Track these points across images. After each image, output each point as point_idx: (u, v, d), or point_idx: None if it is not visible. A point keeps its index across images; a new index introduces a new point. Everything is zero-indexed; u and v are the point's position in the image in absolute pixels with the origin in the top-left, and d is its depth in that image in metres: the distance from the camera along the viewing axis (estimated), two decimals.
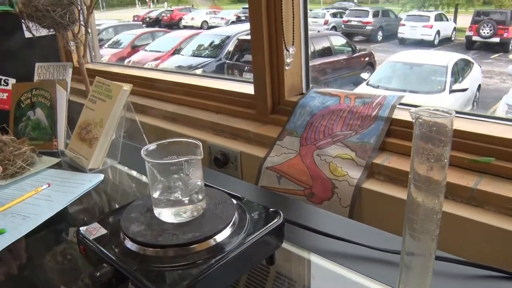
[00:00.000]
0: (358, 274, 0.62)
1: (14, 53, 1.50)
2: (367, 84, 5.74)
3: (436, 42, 10.35)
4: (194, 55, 8.37)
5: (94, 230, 0.64)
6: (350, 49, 8.04)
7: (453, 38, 10.84)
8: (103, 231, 0.63)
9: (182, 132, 1.28)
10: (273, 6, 1.06)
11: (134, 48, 9.83)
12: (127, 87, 1.08)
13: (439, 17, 10.90)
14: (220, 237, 0.59)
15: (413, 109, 0.43)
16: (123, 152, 1.13)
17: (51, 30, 1.26)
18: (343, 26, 12.21)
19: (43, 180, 1.05)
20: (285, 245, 0.67)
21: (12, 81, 1.45)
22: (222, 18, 15.85)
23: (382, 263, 0.64)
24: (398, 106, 0.94)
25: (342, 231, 0.70)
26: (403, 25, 10.91)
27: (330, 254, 0.67)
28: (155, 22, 16.61)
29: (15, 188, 1.02)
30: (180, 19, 16.86)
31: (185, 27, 15.52)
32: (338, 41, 8.20)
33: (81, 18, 1.26)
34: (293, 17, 1.06)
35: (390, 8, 13.23)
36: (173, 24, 16.07)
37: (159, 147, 0.62)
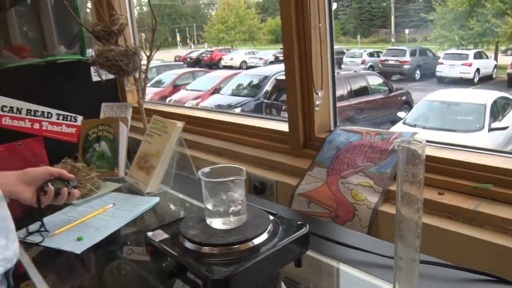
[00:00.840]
0: (372, 276, 0.76)
1: (82, 94, 1.75)
2: (404, 123, 5.79)
3: (475, 80, 10.27)
4: (233, 94, 8.58)
5: (158, 235, 0.81)
6: (386, 88, 8.14)
7: (494, 76, 10.73)
8: (165, 235, 0.81)
9: (227, 164, 1.46)
10: (304, 53, 1.25)
11: (176, 87, 10.22)
12: (180, 124, 1.28)
13: (479, 55, 10.84)
14: (257, 241, 0.75)
15: (398, 140, 0.58)
16: (175, 180, 1.32)
17: (116, 75, 1.50)
18: (380, 65, 12.34)
19: (108, 201, 1.25)
20: (313, 254, 0.82)
21: (79, 118, 1.70)
22: (260, 58, 16.24)
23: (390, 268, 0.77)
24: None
25: (361, 244, 0.85)
26: (441, 63, 10.89)
27: (350, 262, 0.82)
28: (196, 62, 17.08)
29: (86, 206, 1.22)
30: (220, 59, 17.36)
31: (225, 67, 15.90)
32: (375, 80, 8.33)
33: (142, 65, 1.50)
34: (321, 63, 1.25)
35: (428, 47, 13.26)
36: (213, 64, 16.51)
37: (212, 170, 0.80)
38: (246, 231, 0.76)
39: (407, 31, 18.23)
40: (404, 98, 8.23)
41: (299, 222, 0.81)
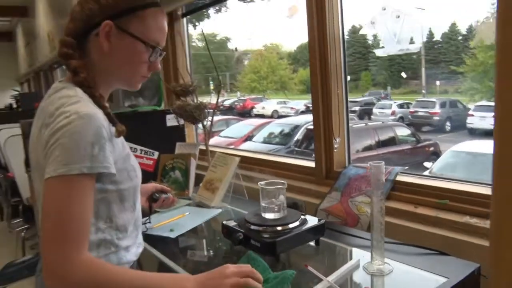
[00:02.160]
0: (363, 250, 1.23)
1: (158, 135, 2.31)
2: (430, 172, 6.07)
3: None
4: (264, 142, 8.84)
5: (230, 222, 1.31)
6: (414, 139, 8.45)
7: None
8: (233, 223, 1.31)
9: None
10: (326, 110, 1.76)
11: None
12: (237, 159, 1.81)
13: None
14: (291, 225, 1.24)
15: (370, 163, 1.08)
16: (231, 199, 1.83)
17: (189, 122, 2.06)
18: (410, 116, 12.60)
19: (184, 211, 1.76)
20: (329, 240, 1.31)
21: (156, 153, 2.25)
22: (291, 108, 16.68)
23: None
24: (400, 173, 1.57)
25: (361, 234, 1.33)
26: (472, 115, 10.96)
27: (351, 245, 1.29)
28: (229, 110, 17.53)
29: (168, 214, 1.74)
30: (252, 107, 17.86)
31: (257, 115, 16.33)
32: (403, 131, 8.67)
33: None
34: (339, 119, 1.76)
35: (458, 99, 13.34)
36: (245, 113, 16.87)
37: (266, 183, 1.31)
38: (285, 220, 1.26)
39: (438, 82, 18.41)
40: (432, 149, 8.43)
41: (319, 218, 1.30)
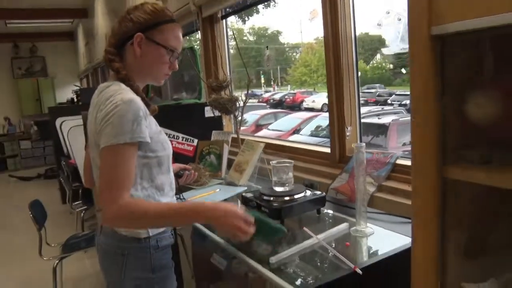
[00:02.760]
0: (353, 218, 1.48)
1: (198, 124, 2.62)
2: None
3: None
4: (312, 135, 8.93)
5: (248, 194, 1.60)
6: None
7: None
8: (251, 194, 1.59)
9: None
10: (340, 103, 2.00)
11: (258, 127, 10.91)
12: (262, 144, 2.09)
13: None
14: (297, 196, 1.51)
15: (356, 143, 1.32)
16: (256, 180, 2.11)
17: (223, 113, 2.36)
18: None
19: (215, 188, 2.07)
20: (330, 211, 1.56)
21: (196, 140, 2.57)
22: None
23: (375, 220, 1.48)
24: (400, 157, 1.78)
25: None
26: None
27: (351, 215, 1.55)
28: (278, 104, 17.53)
29: (203, 190, 2.05)
30: (302, 101, 17.85)
31: (306, 109, 16.47)
32: None
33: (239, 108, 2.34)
34: (350, 109, 2.00)
35: None
36: (295, 106, 16.84)
37: (277, 162, 1.58)
38: (293, 191, 1.53)
39: None
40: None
41: (319, 192, 1.56)
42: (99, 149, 1.19)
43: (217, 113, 2.40)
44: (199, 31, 3.29)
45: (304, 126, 9.62)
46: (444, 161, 0.88)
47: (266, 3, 2.72)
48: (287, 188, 1.56)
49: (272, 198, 1.51)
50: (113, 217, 1.15)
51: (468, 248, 0.95)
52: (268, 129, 10.21)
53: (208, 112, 2.56)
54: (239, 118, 2.32)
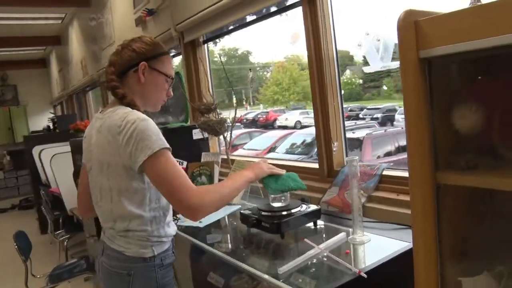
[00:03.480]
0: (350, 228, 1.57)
1: (186, 146, 2.68)
2: None
3: None
4: (287, 152, 9.05)
5: (246, 211, 1.67)
6: None
7: None
8: (248, 211, 1.66)
9: None
10: (325, 121, 2.11)
11: (234, 147, 10.98)
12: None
13: None
14: (294, 210, 1.58)
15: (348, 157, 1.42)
16: (249, 197, 2.18)
17: (212, 134, 2.43)
18: None
19: None
20: (325, 223, 1.64)
21: (185, 162, 2.62)
22: None
23: (369, 228, 1.57)
24: (386, 168, 1.89)
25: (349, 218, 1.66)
26: None
27: (346, 226, 1.63)
28: (252, 123, 17.76)
29: None
30: (275, 119, 18.08)
31: (280, 127, 16.66)
32: None
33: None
34: (336, 127, 2.10)
35: None
36: (268, 125, 17.16)
37: None
38: (288, 207, 1.61)
39: None
40: None
41: (315, 206, 1.65)
42: (130, 170, 1.27)
43: (205, 135, 2.48)
44: (180, 55, 3.38)
45: (279, 144, 9.75)
46: (436, 168, 0.98)
47: (238, 24, 2.83)
48: (284, 204, 1.63)
49: (270, 214, 1.59)
50: (199, 205, 1.23)
51: (462, 246, 1.05)
52: (244, 149, 10.18)
53: (197, 134, 2.62)
54: (228, 139, 2.40)
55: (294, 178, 1.59)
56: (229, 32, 2.98)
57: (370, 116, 13.46)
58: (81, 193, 1.53)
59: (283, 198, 1.64)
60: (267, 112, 19.22)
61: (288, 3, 2.25)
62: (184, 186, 1.23)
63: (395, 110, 14.73)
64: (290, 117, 17.69)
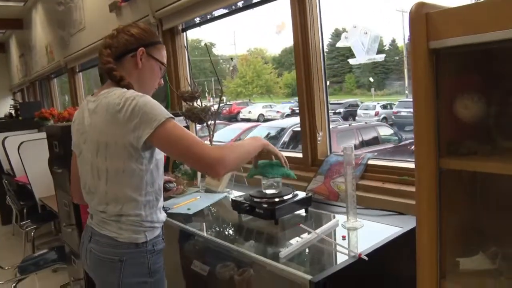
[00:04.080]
0: (342, 215, 1.61)
1: None
2: None
3: None
4: None
5: (238, 197, 1.68)
6: (396, 138, 8.89)
7: None
8: (241, 198, 1.68)
9: None
10: (310, 109, 2.15)
11: (201, 138, 10.96)
12: None
13: None
14: (286, 197, 1.61)
15: (344, 146, 1.46)
16: (234, 186, 2.20)
17: (196, 122, 2.42)
18: (393, 116, 13.11)
19: (195, 196, 2.13)
20: (315, 210, 1.68)
21: None
22: (277, 112, 16.98)
23: (358, 215, 1.62)
24: (370, 158, 1.95)
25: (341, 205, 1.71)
26: None
27: (336, 212, 1.68)
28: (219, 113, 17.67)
29: (184, 198, 2.10)
30: (238, 112, 18.12)
31: (243, 119, 16.47)
32: (386, 131, 9.10)
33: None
34: (321, 116, 2.15)
35: None
36: (231, 117, 16.86)
37: None
38: (281, 193, 1.64)
39: None
40: (413, 147, 8.90)
41: (306, 193, 1.68)
42: (134, 146, 1.25)
43: (188, 123, 2.46)
44: None
45: (243, 137, 9.83)
46: (440, 154, 1.03)
47: (203, 16, 2.83)
48: (276, 190, 1.66)
49: (263, 200, 1.61)
50: (221, 156, 1.24)
51: (460, 228, 1.11)
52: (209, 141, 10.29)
53: (178, 122, 2.60)
54: (212, 127, 2.40)
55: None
56: (210, 20, 2.96)
57: (333, 111, 13.74)
58: (76, 180, 1.50)
59: (274, 184, 1.66)
60: (231, 104, 19.25)
61: None
62: (201, 143, 1.24)
63: (357, 105, 15.11)
64: (253, 110, 17.80)
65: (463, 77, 1.09)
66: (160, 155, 1.38)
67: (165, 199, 1.89)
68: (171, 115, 1.26)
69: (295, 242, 1.37)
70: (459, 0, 1.08)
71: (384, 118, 13.27)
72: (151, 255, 1.37)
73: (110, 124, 1.27)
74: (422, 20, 0.97)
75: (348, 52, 2.11)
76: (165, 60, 1.48)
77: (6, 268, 2.98)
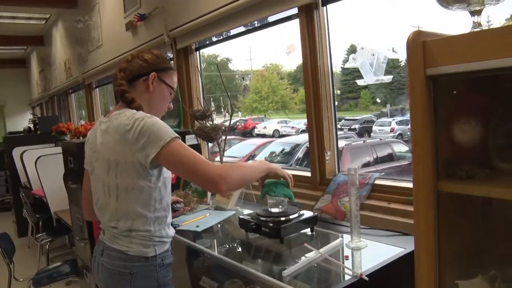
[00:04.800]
0: (347, 234, 1.63)
1: None
2: None
3: None
4: (266, 160, 9.25)
5: (245, 216, 1.72)
6: (411, 155, 8.84)
7: None
8: (248, 217, 1.71)
9: None
10: (319, 130, 2.18)
11: (213, 154, 11.08)
12: None
13: None
14: (292, 216, 1.64)
15: (348, 167, 1.49)
16: (243, 204, 2.23)
17: (207, 141, 2.47)
18: (408, 133, 13.03)
19: (204, 213, 2.17)
20: (321, 229, 1.70)
21: None
22: (292, 127, 17.01)
23: (363, 234, 1.64)
24: (377, 178, 1.97)
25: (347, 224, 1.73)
26: None
27: (341, 232, 1.70)
28: (230, 130, 17.72)
29: (193, 215, 2.14)
30: (254, 127, 18.16)
31: (258, 135, 16.52)
32: (400, 148, 9.06)
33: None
34: (329, 136, 2.18)
35: None
36: (246, 133, 16.87)
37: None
38: (286, 213, 1.67)
39: None
40: None
41: (313, 213, 1.71)
42: (141, 165, 1.32)
43: (199, 141, 2.51)
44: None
45: (258, 152, 9.85)
46: (438, 177, 1.05)
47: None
48: (281, 209, 1.69)
49: (269, 219, 1.64)
50: (225, 174, 1.29)
51: (458, 250, 1.13)
52: (223, 156, 10.31)
53: (190, 140, 2.66)
54: (222, 145, 2.45)
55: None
56: (223, 40, 3.03)
57: (348, 127, 13.71)
58: (88, 197, 1.56)
59: (280, 205, 1.70)
60: (246, 120, 19.35)
61: (285, 15, 2.32)
62: (205, 162, 1.29)
63: (372, 122, 15.06)
64: (268, 126, 17.84)
65: (460, 101, 1.11)
66: (167, 173, 1.44)
67: (173, 217, 1.94)
68: (177, 135, 1.32)
69: (299, 261, 1.40)
70: (457, 27, 1.12)
71: (400, 134, 13.21)
72: (160, 268, 1.42)
73: (120, 143, 1.34)
74: (420, 48, 1.00)
75: (358, 72, 2.15)
76: (175, 86, 1.57)
77: (21, 280, 3.04)
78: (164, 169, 1.41)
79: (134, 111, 1.38)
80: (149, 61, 1.48)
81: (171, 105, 1.59)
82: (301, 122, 16.82)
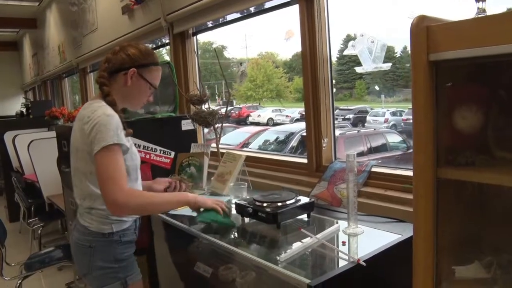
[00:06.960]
0: (343, 220, 1.64)
1: (175, 137, 2.69)
2: None
3: None
4: (260, 149, 9.09)
5: (241, 201, 1.71)
6: (405, 145, 8.87)
7: None
8: (244, 201, 1.71)
9: (270, 183, 2.36)
10: (316, 116, 2.18)
11: (207, 141, 11.04)
12: (244, 155, 2.21)
13: None
14: (288, 202, 1.64)
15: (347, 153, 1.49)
16: (238, 189, 2.22)
17: (204, 126, 2.46)
18: (402, 124, 13.06)
19: None
20: (318, 215, 1.71)
21: (173, 152, 2.63)
22: (287, 116, 16.98)
23: (359, 221, 1.64)
24: (374, 165, 1.97)
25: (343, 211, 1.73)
26: None
27: (337, 218, 1.70)
28: (226, 117, 17.67)
29: None
30: (248, 116, 18.06)
31: (252, 123, 16.44)
32: (394, 138, 9.08)
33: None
34: (326, 123, 2.17)
35: None
36: (241, 120, 16.90)
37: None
38: (283, 198, 1.66)
39: None
40: None
41: (310, 199, 1.71)
42: (91, 156, 1.44)
43: (196, 126, 2.50)
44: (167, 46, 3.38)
45: (252, 140, 9.84)
46: (438, 163, 1.05)
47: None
48: (279, 195, 1.69)
49: (266, 204, 1.64)
50: (122, 203, 1.38)
51: (456, 237, 1.13)
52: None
53: (186, 125, 2.64)
54: (219, 130, 2.43)
55: (225, 217, 1.67)
56: (220, 25, 3.00)
57: (342, 117, 13.72)
58: None
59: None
60: (240, 108, 19.31)
61: (284, 0, 2.30)
62: (118, 183, 1.39)
63: (366, 112, 15.09)
64: (262, 114, 17.82)
65: (462, 88, 1.11)
66: (130, 162, 1.57)
67: None
68: (122, 142, 1.44)
69: (296, 246, 1.40)
70: (461, 13, 1.11)
71: (394, 125, 13.24)
72: (117, 244, 1.58)
73: (80, 132, 1.49)
74: (423, 33, 1.00)
75: (358, 59, 2.14)
76: (156, 81, 1.65)
77: (12, 264, 3.02)
78: (127, 158, 1.52)
79: (101, 104, 1.50)
80: (131, 56, 1.57)
81: (150, 98, 1.69)
82: (296, 111, 16.80)
